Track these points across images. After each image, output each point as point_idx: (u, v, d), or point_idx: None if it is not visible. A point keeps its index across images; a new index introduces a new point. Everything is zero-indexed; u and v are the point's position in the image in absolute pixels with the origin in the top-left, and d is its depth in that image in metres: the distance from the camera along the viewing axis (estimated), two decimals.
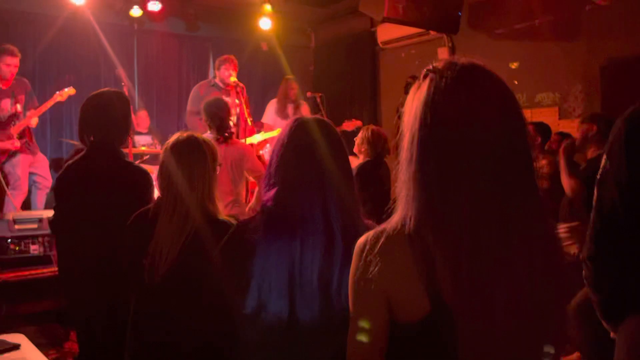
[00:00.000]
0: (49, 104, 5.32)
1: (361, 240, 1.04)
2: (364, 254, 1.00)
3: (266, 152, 5.55)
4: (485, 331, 0.92)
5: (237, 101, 5.17)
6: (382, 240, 0.99)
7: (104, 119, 2.32)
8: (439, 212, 0.94)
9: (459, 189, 0.94)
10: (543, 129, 4.52)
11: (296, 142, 1.50)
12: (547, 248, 0.97)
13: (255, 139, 5.47)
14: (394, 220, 1.01)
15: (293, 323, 1.40)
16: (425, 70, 1.03)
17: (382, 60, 7.69)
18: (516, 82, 5.64)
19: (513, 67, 5.87)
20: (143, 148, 6.12)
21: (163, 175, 1.84)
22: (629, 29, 4.96)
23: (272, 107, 6.06)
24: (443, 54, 6.70)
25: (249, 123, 5.11)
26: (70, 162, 2.37)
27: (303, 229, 1.43)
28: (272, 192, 1.49)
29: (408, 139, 1.00)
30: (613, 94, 5.08)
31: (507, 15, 5.90)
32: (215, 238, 1.62)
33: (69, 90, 5.36)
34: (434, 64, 1.03)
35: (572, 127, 4.88)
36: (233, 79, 5.18)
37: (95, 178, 2.25)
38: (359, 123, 5.89)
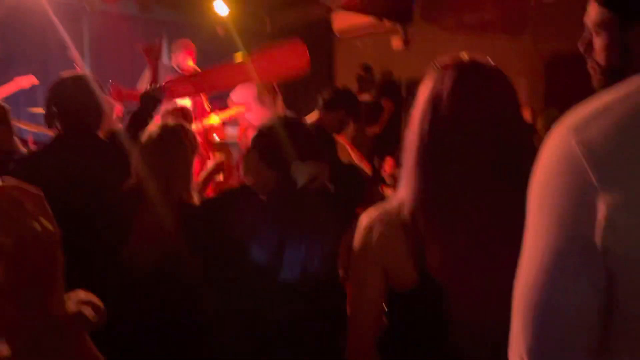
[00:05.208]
0: (11, 88, 4.87)
1: (364, 218, 1.15)
2: (366, 232, 1.13)
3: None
4: (466, 296, 1.03)
5: None
6: (380, 222, 1.11)
7: (79, 105, 2.09)
8: (432, 201, 1.05)
9: (452, 183, 1.02)
10: None
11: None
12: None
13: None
14: (394, 202, 1.13)
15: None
16: (431, 66, 1.10)
17: (338, 50, 7.78)
18: None
19: None
20: None
21: (140, 163, 1.81)
22: (573, 25, 5.24)
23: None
24: (397, 43, 6.87)
25: (207, 108, 5.08)
26: (39, 151, 2.27)
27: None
28: None
29: (412, 130, 1.09)
30: (556, 87, 5.39)
31: (457, 7, 6.11)
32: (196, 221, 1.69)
33: (30, 79, 4.95)
34: (439, 62, 1.09)
35: None
36: (190, 63, 5.13)
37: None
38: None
